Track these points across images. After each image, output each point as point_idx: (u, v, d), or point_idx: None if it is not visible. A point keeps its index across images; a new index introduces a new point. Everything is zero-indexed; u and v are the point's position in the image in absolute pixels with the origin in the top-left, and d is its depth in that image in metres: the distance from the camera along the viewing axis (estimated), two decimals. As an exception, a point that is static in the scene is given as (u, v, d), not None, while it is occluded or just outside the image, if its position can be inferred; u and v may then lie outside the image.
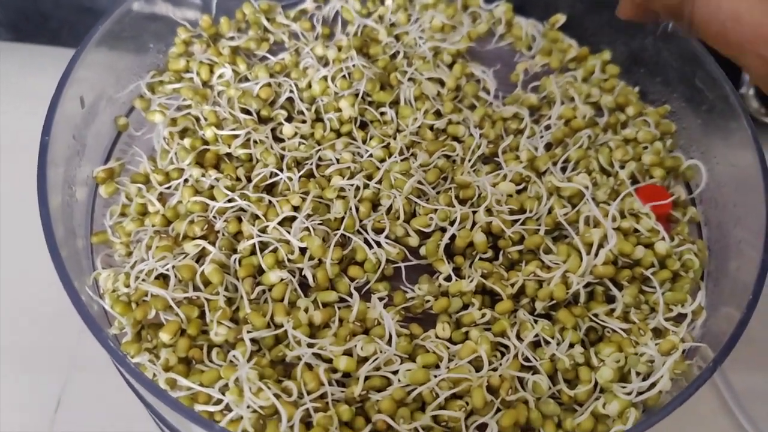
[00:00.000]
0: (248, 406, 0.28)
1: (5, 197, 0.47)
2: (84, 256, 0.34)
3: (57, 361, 0.42)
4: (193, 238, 0.33)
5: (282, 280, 0.32)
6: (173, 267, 0.32)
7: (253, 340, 0.31)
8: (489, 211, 0.36)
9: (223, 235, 0.34)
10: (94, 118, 0.38)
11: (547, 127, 0.40)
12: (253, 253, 0.34)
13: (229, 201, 0.35)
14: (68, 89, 0.35)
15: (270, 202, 0.35)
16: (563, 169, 0.38)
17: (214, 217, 0.34)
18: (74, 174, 0.35)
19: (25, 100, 0.44)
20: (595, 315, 0.34)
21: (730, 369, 0.43)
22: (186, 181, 0.36)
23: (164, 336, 0.30)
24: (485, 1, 0.47)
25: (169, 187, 0.36)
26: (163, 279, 0.32)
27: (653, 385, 0.31)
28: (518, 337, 0.33)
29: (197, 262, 0.33)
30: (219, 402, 0.29)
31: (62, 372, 0.42)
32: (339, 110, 0.39)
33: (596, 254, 0.34)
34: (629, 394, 0.31)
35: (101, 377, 0.39)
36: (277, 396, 0.28)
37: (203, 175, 0.36)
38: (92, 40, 0.37)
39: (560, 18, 0.46)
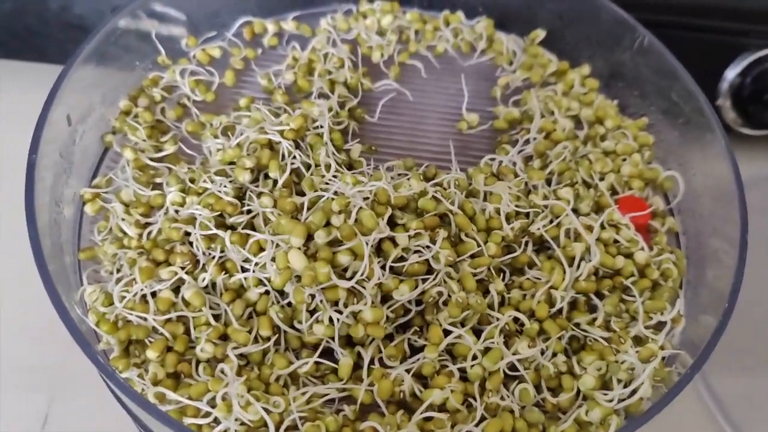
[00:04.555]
0: (236, 419, 0.28)
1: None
2: (71, 271, 0.34)
3: (43, 378, 0.42)
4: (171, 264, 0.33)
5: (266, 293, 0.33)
6: (151, 294, 0.32)
7: (241, 355, 0.31)
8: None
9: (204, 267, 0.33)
10: (81, 135, 0.38)
11: (527, 141, 0.41)
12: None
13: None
14: (55, 107, 0.35)
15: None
16: (548, 182, 0.39)
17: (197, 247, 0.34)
18: (61, 191, 0.35)
19: (10, 117, 0.45)
20: (577, 324, 0.34)
21: (712, 375, 0.44)
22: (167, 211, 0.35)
23: (151, 354, 0.30)
24: (466, 17, 0.48)
25: (148, 217, 0.36)
26: (144, 300, 0.32)
27: (634, 392, 0.32)
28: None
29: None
30: (207, 415, 0.29)
31: (49, 389, 0.42)
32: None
33: (578, 267, 0.34)
34: (611, 401, 0.31)
35: (88, 394, 0.39)
36: (265, 410, 0.29)
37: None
38: (78, 58, 0.37)
39: (540, 33, 0.47)
